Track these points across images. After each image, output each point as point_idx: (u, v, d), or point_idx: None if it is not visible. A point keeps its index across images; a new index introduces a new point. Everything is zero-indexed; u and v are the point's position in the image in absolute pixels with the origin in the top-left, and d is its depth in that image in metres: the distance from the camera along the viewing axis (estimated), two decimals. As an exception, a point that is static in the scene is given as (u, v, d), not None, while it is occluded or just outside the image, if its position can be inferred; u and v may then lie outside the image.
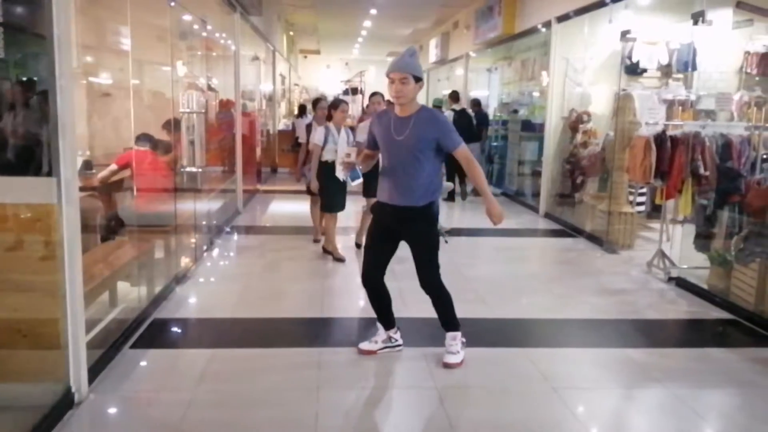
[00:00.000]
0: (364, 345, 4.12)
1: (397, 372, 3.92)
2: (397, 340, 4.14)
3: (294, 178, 9.86)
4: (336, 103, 6.50)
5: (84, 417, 3.26)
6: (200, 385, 3.60)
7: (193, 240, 6.45)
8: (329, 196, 6.45)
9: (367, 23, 17.01)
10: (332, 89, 26.40)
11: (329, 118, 6.49)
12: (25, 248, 3.24)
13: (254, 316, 4.82)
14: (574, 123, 9.15)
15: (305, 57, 26.80)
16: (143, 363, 3.90)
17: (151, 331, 4.44)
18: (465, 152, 3.77)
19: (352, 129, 6.97)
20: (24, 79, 3.98)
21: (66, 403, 3.26)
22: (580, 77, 9.35)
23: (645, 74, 8.72)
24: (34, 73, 3.95)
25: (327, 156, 6.36)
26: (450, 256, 6.23)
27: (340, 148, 6.18)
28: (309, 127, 6.77)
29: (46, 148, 3.13)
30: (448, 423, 3.26)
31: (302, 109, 14.72)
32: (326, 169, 6.36)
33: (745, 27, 7.52)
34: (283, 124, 16.57)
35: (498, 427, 3.26)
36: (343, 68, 28.05)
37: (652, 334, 4.71)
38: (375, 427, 3.29)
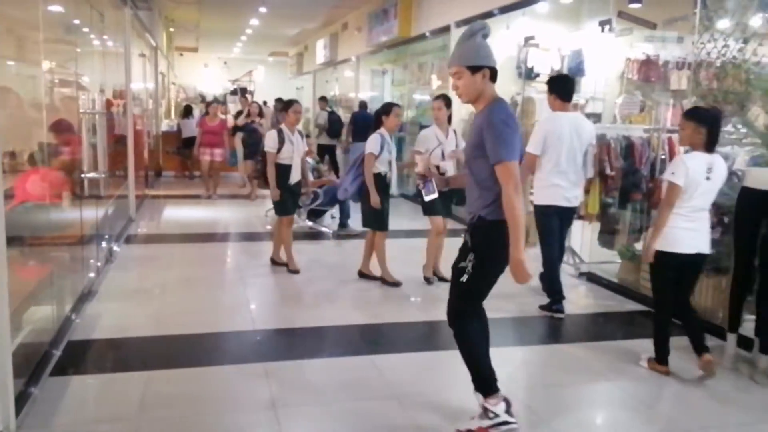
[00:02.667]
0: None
1: (349, 381, 3.79)
2: (497, 416, 3.07)
3: (181, 180, 9.38)
4: (387, 108, 5.69)
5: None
6: (143, 412, 3.28)
7: (91, 252, 5.92)
8: (382, 212, 5.65)
9: (254, 21, 16.55)
10: (212, 89, 25.53)
11: (379, 124, 5.68)
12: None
13: (182, 333, 4.49)
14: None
15: (181, 55, 25.64)
16: (70, 391, 3.50)
17: (68, 355, 4.01)
18: (506, 171, 2.88)
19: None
20: None
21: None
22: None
23: (538, 78, 9.15)
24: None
25: (382, 167, 5.62)
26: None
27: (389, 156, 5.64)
28: (281, 134, 5.97)
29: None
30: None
31: (188, 110, 14.07)
32: (380, 181, 5.64)
33: (626, 35, 8.09)
34: (166, 125, 15.73)
35: None
36: (222, 67, 27.18)
37: (579, 328, 4.92)
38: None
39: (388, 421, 3.32)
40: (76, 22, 6.35)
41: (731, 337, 4.14)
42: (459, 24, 9.25)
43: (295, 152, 6.02)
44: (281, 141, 5.94)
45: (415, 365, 4.04)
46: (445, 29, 9.65)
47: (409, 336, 4.62)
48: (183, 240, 7.74)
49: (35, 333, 4.09)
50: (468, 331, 3.14)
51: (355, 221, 8.12)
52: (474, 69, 2.97)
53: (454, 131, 5.92)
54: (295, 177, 6.07)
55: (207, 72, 27.34)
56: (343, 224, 8.22)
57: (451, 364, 4.15)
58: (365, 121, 11.77)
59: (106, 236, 6.85)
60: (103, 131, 5.74)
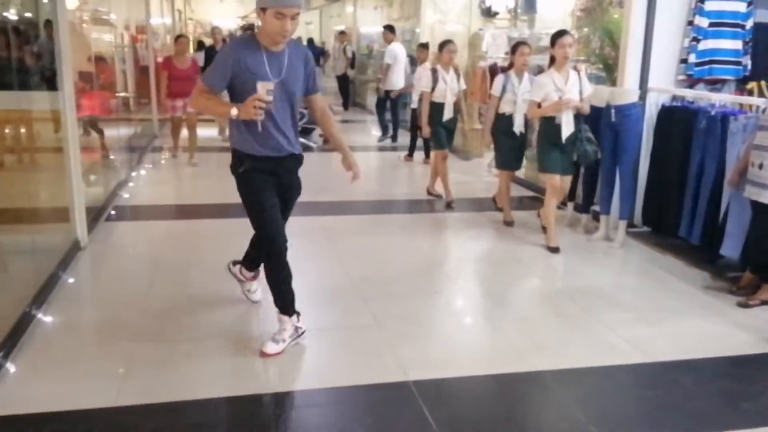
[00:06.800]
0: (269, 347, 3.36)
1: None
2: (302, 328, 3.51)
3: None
4: (514, 47, 5.91)
5: (87, 257, 4.86)
6: (167, 240, 5.27)
7: (128, 154, 7.88)
8: (503, 152, 5.95)
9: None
10: (226, 24, 26.83)
11: (511, 65, 5.93)
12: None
13: (197, 203, 6.49)
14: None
15: (197, -9, 26.95)
16: (119, 229, 5.51)
17: (117, 211, 6.00)
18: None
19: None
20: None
21: (76, 247, 4.84)
22: (446, 18, 11.17)
23: (497, 16, 10.65)
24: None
25: (505, 107, 5.77)
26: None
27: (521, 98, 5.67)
28: (435, 73, 6.35)
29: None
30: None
31: (201, 44, 15.71)
32: (503, 121, 5.80)
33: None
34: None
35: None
36: (237, 3, 28.36)
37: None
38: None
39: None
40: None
41: (570, 205, 5.95)
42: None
43: (448, 90, 6.31)
44: (435, 80, 6.30)
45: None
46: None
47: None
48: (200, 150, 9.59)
49: (94, 195, 6.04)
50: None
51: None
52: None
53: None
54: (447, 114, 6.38)
55: (222, 7, 28.56)
56: (327, 140, 9.98)
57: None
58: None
59: (137, 147, 8.80)
60: (131, 62, 7.53)
